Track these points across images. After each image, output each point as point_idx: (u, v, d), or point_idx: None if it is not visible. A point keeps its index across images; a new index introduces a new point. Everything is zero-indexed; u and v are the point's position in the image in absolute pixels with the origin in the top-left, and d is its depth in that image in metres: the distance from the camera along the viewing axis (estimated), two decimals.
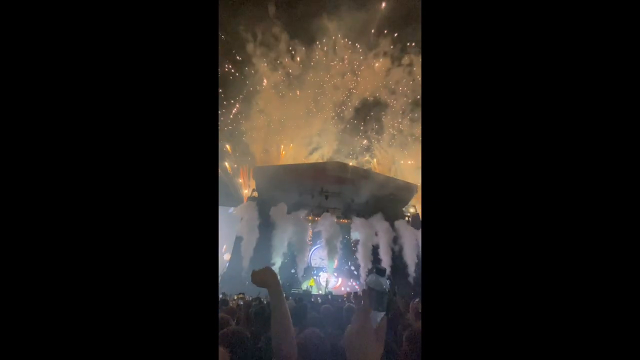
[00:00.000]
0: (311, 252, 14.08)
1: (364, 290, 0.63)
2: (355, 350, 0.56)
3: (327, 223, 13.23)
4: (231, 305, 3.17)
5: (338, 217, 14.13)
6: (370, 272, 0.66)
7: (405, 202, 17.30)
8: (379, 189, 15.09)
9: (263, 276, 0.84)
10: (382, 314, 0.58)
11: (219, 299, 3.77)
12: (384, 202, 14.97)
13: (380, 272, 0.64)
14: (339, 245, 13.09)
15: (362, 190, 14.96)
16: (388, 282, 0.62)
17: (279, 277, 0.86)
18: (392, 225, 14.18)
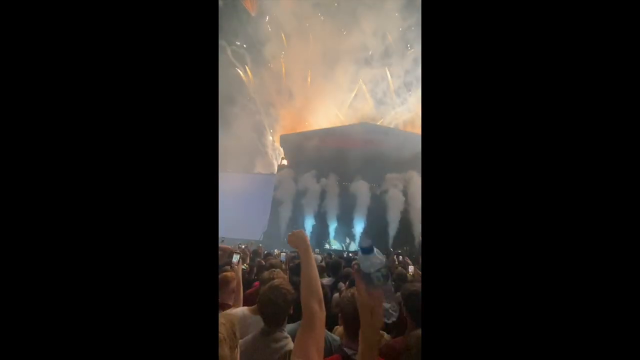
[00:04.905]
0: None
1: (355, 272, 0.62)
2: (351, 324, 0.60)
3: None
4: (273, 260, 3.71)
5: (370, 186, 14.19)
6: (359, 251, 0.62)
7: None
8: (405, 149, 14.54)
9: (295, 238, 0.97)
10: (378, 289, 0.58)
11: (264, 253, 4.38)
12: (412, 162, 14.51)
13: (365, 250, 0.58)
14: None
15: (390, 151, 14.56)
16: (380, 256, 0.58)
17: (309, 238, 0.96)
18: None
